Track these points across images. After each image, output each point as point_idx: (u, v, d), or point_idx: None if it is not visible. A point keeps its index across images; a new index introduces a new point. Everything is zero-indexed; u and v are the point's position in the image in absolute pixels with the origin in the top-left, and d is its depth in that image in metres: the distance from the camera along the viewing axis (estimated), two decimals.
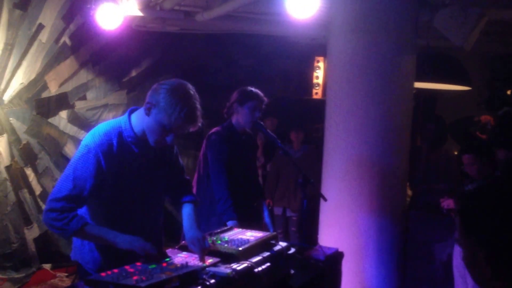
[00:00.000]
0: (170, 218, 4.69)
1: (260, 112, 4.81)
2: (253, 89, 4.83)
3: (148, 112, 3.05)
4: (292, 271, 3.53)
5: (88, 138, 3.10)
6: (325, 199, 4.61)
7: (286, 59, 9.94)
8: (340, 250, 4.12)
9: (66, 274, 7.50)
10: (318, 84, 8.91)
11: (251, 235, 3.51)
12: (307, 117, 8.90)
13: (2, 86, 7.20)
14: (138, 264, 2.83)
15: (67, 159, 7.70)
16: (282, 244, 3.52)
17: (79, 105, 8.03)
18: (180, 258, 3.08)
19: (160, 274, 2.67)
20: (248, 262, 3.06)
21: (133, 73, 8.73)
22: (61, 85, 7.76)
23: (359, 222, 5.78)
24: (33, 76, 7.45)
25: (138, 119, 3.17)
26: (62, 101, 7.82)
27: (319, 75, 8.87)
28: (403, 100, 5.90)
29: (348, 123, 5.80)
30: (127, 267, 2.75)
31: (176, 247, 3.37)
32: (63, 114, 7.87)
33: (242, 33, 8.55)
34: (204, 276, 2.79)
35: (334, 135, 5.97)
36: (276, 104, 6.29)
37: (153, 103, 3.02)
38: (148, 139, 3.15)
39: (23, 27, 7.25)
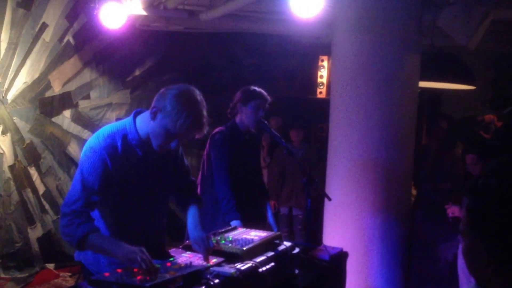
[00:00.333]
0: (173, 217, 4.68)
1: (264, 111, 4.79)
2: (256, 88, 4.81)
3: (154, 116, 3.01)
4: (297, 271, 3.52)
5: (93, 140, 3.07)
6: (329, 199, 4.60)
7: (290, 58, 9.92)
8: (344, 249, 4.11)
9: (69, 274, 7.48)
10: (322, 83, 8.91)
11: (255, 235, 3.50)
12: (311, 116, 8.88)
13: (6, 85, 7.20)
14: None
15: (70, 159, 7.72)
16: (287, 243, 3.50)
17: (83, 104, 8.03)
18: (184, 257, 3.07)
19: (164, 274, 2.66)
20: (252, 262, 3.05)
21: (137, 72, 8.73)
22: (64, 84, 7.76)
23: (363, 222, 5.76)
24: (36, 75, 7.45)
25: (143, 122, 3.12)
26: (65, 100, 7.82)
27: (323, 74, 8.88)
28: (408, 99, 5.88)
29: (353, 122, 5.78)
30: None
31: (180, 246, 3.36)
32: (67, 113, 7.87)
33: (246, 32, 8.54)
34: (208, 276, 2.78)
35: (339, 134, 5.96)
36: (280, 104, 6.26)
37: (159, 108, 2.98)
38: (152, 143, 3.11)
39: (27, 26, 7.26)
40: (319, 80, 8.93)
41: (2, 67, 7.14)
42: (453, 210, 5.30)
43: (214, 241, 3.19)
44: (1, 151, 7.20)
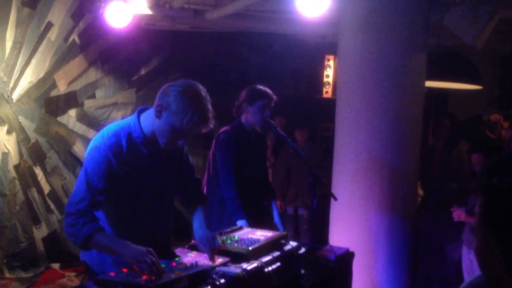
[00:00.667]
0: (179, 216, 4.66)
1: (269, 110, 4.77)
2: (262, 87, 4.79)
3: (159, 115, 2.97)
4: (303, 271, 3.50)
5: (97, 139, 3.04)
6: (335, 198, 4.58)
7: (296, 57, 9.91)
8: (350, 250, 4.09)
9: (75, 273, 7.48)
10: (328, 83, 8.90)
11: (261, 235, 3.48)
12: (317, 116, 8.86)
13: (11, 85, 7.21)
14: None
15: (75, 158, 7.72)
16: (293, 243, 3.48)
17: (88, 104, 8.03)
18: (190, 257, 3.06)
19: (169, 273, 2.64)
20: (258, 262, 3.04)
21: (142, 72, 8.72)
22: (70, 83, 7.76)
23: (370, 222, 5.73)
24: (42, 75, 7.45)
25: (148, 121, 3.09)
26: (71, 100, 7.83)
27: (329, 74, 8.86)
28: (414, 99, 5.86)
29: (359, 122, 5.76)
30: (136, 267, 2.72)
31: (186, 246, 3.35)
32: (72, 112, 7.87)
33: (251, 31, 8.53)
34: (214, 276, 2.77)
35: (345, 134, 5.93)
36: (286, 103, 6.26)
37: (164, 106, 2.95)
38: (159, 141, 3.07)
39: (32, 25, 7.26)
40: (325, 79, 8.92)
41: (7, 66, 7.14)
42: (458, 214, 5.27)
43: (220, 241, 3.17)
44: (6, 151, 7.21)
